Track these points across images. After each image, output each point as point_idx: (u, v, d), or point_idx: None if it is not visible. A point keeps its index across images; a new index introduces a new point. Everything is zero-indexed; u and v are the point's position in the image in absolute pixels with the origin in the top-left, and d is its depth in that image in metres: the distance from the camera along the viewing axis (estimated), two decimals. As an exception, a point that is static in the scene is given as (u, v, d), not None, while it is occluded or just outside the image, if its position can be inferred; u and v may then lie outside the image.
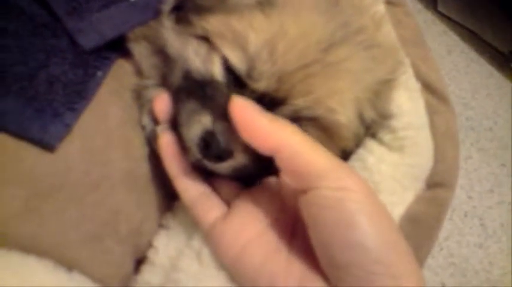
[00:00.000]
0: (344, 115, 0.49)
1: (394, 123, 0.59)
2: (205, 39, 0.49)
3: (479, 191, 1.28)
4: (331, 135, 0.50)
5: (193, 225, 0.52)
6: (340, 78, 0.48)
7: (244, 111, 0.42)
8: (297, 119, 0.47)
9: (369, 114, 0.53)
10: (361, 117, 0.52)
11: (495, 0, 1.61)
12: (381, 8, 0.65)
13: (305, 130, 0.48)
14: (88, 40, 0.51)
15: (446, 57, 1.47)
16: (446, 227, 1.17)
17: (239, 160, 0.47)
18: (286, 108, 0.47)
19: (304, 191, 0.42)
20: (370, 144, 0.57)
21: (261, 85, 0.46)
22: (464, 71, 1.47)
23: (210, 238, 0.49)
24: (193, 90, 0.48)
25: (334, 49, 0.47)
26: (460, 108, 1.39)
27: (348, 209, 0.40)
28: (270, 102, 0.46)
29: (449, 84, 1.42)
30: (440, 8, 1.56)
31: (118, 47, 0.54)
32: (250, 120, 0.42)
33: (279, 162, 0.42)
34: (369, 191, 0.41)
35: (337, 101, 0.48)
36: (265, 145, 0.42)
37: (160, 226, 0.55)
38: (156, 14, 0.53)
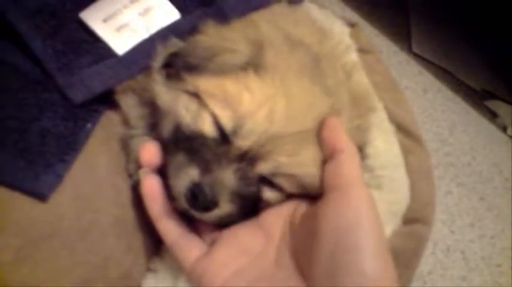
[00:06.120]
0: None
1: (372, 162, 0.61)
2: (196, 95, 0.50)
3: (460, 225, 1.29)
4: (305, 189, 0.52)
5: (179, 268, 0.53)
6: None
7: None
8: (273, 174, 0.50)
9: None
10: None
11: (467, 41, 1.67)
12: (353, 56, 0.69)
13: (279, 183, 0.51)
14: (78, 94, 0.52)
15: (422, 96, 1.51)
16: (429, 261, 1.18)
17: (224, 209, 0.49)
18: (268, 164, 0.49)
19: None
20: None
21: (247, 142, 0.48)
22: (440, 109, 1.51)
23: (192, 276, 0.50)
24: (182, 143, 0.50)
25: None
26: (438, 145, 1.42)
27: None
28: (252, 157, 0.48)
29: (427, 122, 1.44)
30: (415, 49, 1.60)
31: (106, 99, 0.56)
32: None
33: None
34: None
35: (318, 168, 0.50)
36: None
37: (149, 269, 0.56)
38: (143, 69, 0.55)
